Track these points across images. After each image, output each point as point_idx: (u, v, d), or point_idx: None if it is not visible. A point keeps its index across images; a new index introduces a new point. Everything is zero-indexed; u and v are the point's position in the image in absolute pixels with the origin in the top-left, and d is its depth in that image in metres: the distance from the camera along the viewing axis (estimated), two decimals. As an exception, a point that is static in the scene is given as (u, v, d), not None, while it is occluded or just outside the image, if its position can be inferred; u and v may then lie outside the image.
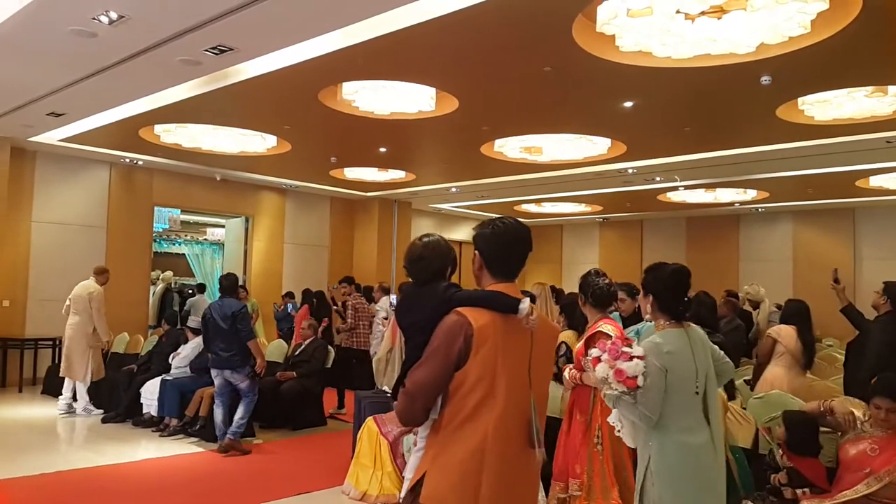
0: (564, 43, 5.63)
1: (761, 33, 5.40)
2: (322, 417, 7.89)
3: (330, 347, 8.27)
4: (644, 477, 2.61)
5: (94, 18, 5.30)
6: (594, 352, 2.67)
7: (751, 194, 12.97)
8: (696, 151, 9.60)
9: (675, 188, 12.25)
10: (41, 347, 9.79)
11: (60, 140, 9.67)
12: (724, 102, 7.35)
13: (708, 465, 2.61)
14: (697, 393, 2.62)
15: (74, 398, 8.07)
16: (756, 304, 8.77)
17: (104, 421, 7.71)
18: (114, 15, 5.22)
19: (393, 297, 8.60)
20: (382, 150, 10.11)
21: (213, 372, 6.59)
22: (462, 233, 17.05)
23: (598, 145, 9.51)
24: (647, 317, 2.86)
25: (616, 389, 2.55)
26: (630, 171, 10.63)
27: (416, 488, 2.07)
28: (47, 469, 5.76)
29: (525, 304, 2.08)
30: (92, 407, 8.04)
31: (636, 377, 2.52)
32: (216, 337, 6.49)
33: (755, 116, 7.82)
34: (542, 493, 4.08)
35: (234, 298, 6.73)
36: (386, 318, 8.35)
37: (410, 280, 2.39)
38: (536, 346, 2.15)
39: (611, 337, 3.65)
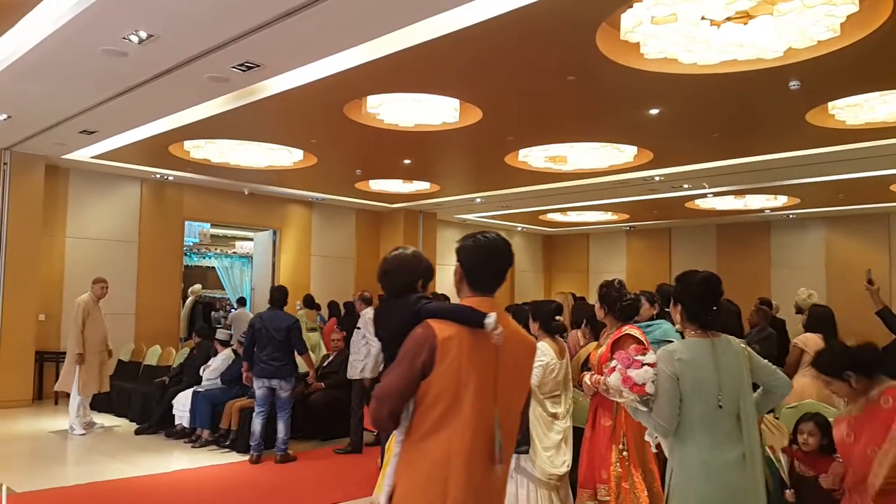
0: (588, 51, 5.62)
1: (789, 37, 5.33)
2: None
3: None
4: (668, 490, 2.56)
5: (124, 38, 5.42)
6: (612, 362, 2.65)
7: (781, 200, 12.78)
8: (724, 158, 9.48)
9: (704, 195, 12.11)
10: (76, 360, 9.95)
11: (93, 157, 9.88)
12: (752, 108, 7.26)
13: (734, 483, 2.50)
14: (721, 407, 2.53)
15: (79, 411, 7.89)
16: (801, 311, 8.53)
17: (137, 432, 7.81)
18: (143, 34, 5.34)
19: (369, 310, 7.39)
20: (407, 161, 10.16)
21: (258, 382, 6.63)
22: (488, 243, 17.00)
23: (623, 153, 9.45)
24: (678, 326, 2.82)
25: (628, 398, 2.52)
26: (657, 178, 10.54)
27: (391, 497, 2.11)
28: (82, 480, 5.86)
29: (491, 318, 2.07)
30: (77, 426, 7.69)
31: (644, 384, 2.48)
32: (267, 346, 6.57)
33: (784, 122, 7.72)
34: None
35: (283, 310, 6.84)
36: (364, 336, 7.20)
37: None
38: (504, 361, 2.14)
39: (638, 340, 3.63)
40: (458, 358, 2.05)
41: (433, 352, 2.03)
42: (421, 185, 12.22)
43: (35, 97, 7.09)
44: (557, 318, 4.28)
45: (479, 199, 13.15)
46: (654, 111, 7.35)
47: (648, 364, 2.52)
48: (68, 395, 7.96)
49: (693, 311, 2.65)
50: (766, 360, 2.80)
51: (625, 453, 3.64)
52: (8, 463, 6.44)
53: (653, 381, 2.48)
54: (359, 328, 7.23)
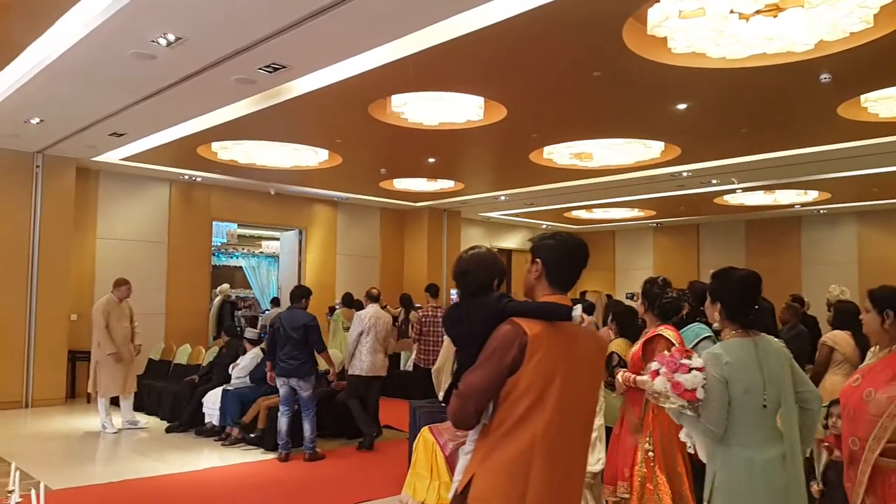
0: (615, 47, 5.57)
1: (820, 30, 5.23)
2: (378, 427, 7.93)
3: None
4: (711, 493, 2.52)
5: (152, 41, 5.49)
6: (653, 365, 2.60)
7: (812, 195, 12.55)
8: (753, 153, 9.34)
9: (733, 191, 11.95)
10: (107, 359, 10.11)
11: (122, 159, 10.03)
12: (782, 102, 7.14)
13: (776, 482, 2.48)
14: (765, 406, 2.51)
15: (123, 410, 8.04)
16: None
17: (168, 430, 7.92)
18: (171, 37, 5.40)
19: (371, 307, 7.49)
20: (431, 160, 10.17)
21: (279, 381, 6.71)
22: (512, 241, 16.99)
23: (651, 149, 9.36)
24: (716, 325, 2.76)
25: (675, 403, 2.47)
26: (685, 174, 10.42)
27: (464, 491, 2.13)
28: (115, 478, 5.96)
29: (577, 310, 2.14)
30: (109, 424, 7.80)
31: (695, 389, 2.44)
32: (286, 346, 6.63)
33: (815, 115, 7.58)
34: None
35: (303, 309, 6.87)
36: (362, 332, 7.26)
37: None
38: (584, 356, 2.21)
39: (671, 341, 3.58)
40: (548, 354, 2.09)
41: (523, 348, 2.07)
42: (445, 184, 12.22)
43: (66, 101, 7.22)
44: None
45: (503, 197, 13.11)
46: (681, 106, 7.27)
47: (696, 368, 2.47)
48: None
49: (733, 309, 2.60)
50: (799, 366, 2.74)
51: (650, 454, 3.60)
52: (44, 460, 6.56)
53: (703, 386, 2.44)
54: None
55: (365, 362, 7.20)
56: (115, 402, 8.05)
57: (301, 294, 6.99)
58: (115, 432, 7.79)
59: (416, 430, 5.91)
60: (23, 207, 9.43)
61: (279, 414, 6.77)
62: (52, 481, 5.62)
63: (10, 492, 2.75)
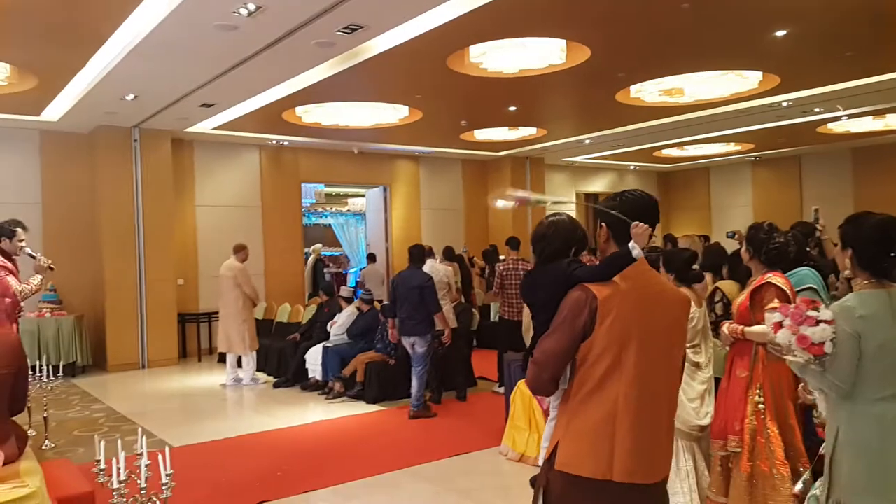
0: (706, -24, 5.21)
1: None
2: (472, 378, 8.06)
3: (474, 310, 8.37)
4: (833, 448, 2.39)
5: (234, 12, 5.57)
6: (775, 316, 2.45)
7: (929, 117, 11.55)
8: (861, 77, 8.63)
9: (838, 118, 11.14)
10: (214, 320, 10.65)
11: (214, 128, 10.38)
12: (891, 17, 6.51)
13: None
14: None
15: (240, 366, 8.65)
16: None
17: (275, 386, 8.37)
18: (252, 6, 5.46)
19: (431, 261, 7.57)
20: (512, 108, 9.96)
21: (403, 340, 6.83)
22: (598, 185, 16.59)
23: (747, 80, 8.81)
24: (847, 272, 2.56)
25: (801, 357, 2.33)
26: (784, 104, 9.78)
27: (551, 457, 2.15)
28: (231, 433, 6.34)
29: (636, 249, 2.10)
30: (258, 376, 8.60)
31: (822, 343, 2.28)
32: (403, 305, 6.74)
33: (934, 30, 6.89)
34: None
35: (421, 269, 6.92)
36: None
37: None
38: (661, 314, 2.16)
39: (781, 289, 3.40)
40: (620, 316, 2.07)
41: (594, 312, 2.06)
42: (527, 131, 11.98)
43: (157, 76, 7.48)
44: (693, 267, 4.10)
45: (588, 141, 12.75)
46: (780, 33, 6.76)
47: (825, 321, 2.31)
48: (212, 354, 8.62)
49: (867, 258, 2.40)
50: None
51: (761, 406, 3.47)
52: (164, 418, 7.05)
53: (832, 341, 2.29)
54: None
55: None
56: (222, 359, 8.57)
57: (420, 254, 7.02)
58: (257, 383, 8.48)
59: (511, 384, 5.97)
60: (125, 180, 9.95)
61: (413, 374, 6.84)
62: (174, 439, 6.05)
63: (140, 454, 2.99)
